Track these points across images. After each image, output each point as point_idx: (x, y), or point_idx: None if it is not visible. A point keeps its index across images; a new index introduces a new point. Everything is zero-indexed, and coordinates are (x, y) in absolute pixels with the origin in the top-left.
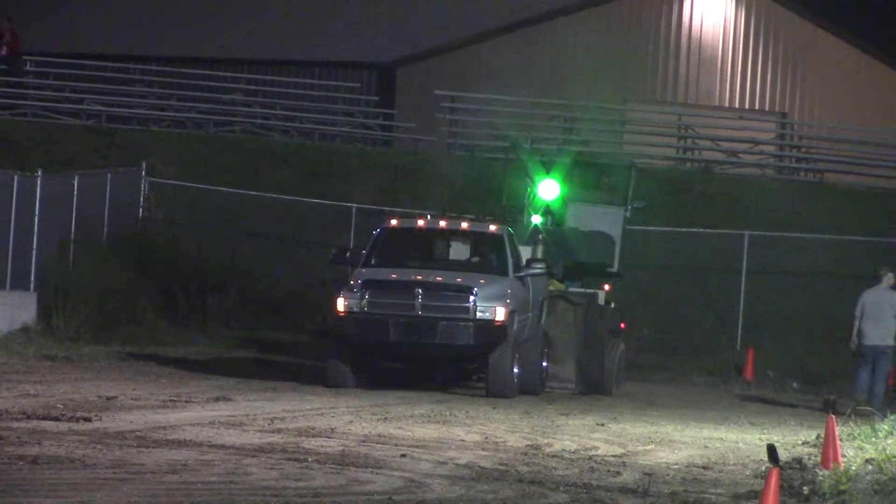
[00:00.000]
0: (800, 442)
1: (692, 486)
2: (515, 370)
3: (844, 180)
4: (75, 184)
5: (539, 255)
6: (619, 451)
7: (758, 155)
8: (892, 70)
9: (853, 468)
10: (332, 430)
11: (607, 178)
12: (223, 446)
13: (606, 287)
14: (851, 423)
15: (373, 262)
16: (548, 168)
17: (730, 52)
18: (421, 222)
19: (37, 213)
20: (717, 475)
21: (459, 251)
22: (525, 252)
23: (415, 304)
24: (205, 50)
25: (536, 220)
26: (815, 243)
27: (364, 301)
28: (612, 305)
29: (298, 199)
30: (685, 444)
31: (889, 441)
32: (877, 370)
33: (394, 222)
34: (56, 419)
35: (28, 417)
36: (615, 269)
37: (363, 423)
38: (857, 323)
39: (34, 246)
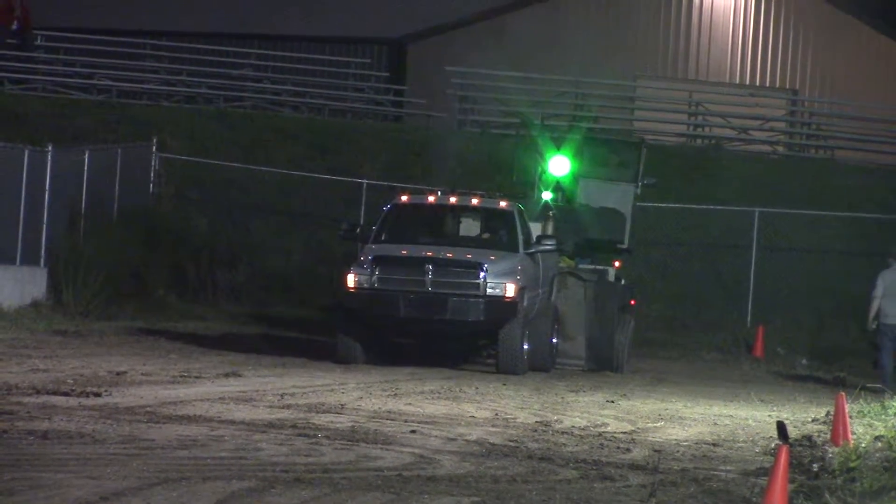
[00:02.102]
0: (809, 419)
1: (702, 464)
2: (525, 346)
3: (855, 157)
4: (86, 158)
5: (549, 231)
6: (628, 427)
7: (768, 132)
8: None
9: (863, 445)
10: (342, 405)
11: (617, 155)
12: (233, 422)
13: (617, 263)
14: (861, 401)
15: (383, 237)
16: (558, 144)
17: (740, 29)
18: (431, 198)
19: (47, 187)
20: (727, 452)
21: (470, 227)
22: (535, 228)
23: (425, 280)
24: (215, 25)
25: (547, 196)
26: (826, 220)
27: (374, 277)
28: (623, 282)
29: (309, 174)
30: (695, 421)
31: None
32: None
33: (404, 198)
34: (66, 394)
35: (38, 392)
36: (625, 245)
37: (373, 399)
38: (875, 303)
39: (44, 221)
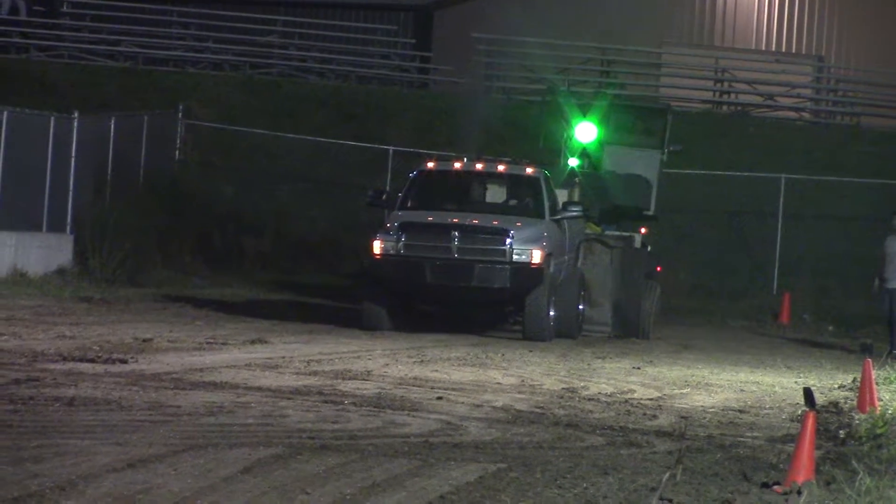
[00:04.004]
0: (836, 386)
1: (728, 430)
2: (552, 313)
3: (881, 124)
4: (112, 126)
5: (576, 198)
6: (655, 394)
7: (794, 98)
8: None
9: (889, 412)
10: (369, 372)
11: (643, 122)
12: (259, 388)
13: (643, 230)
14: (888, 367)
15: (409, 204)
16: (584, 111)
17: None
18: (458, 165)
19: (73, 155)
20: (754, 419)
21: (496, 194)
22: (562, 195)
23: (451, 247)
24: None
25: (573, 162)
26: (852, 187)
27: (400, 244)
28: (649, 248)
29: (335, 141)
30: (721, 388)
31: None
32: None
33: (430, 165)
34: (92, 361)
35: (64, 359)
36: (651, 212)
37: (399, 366)
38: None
39: (70, 188)
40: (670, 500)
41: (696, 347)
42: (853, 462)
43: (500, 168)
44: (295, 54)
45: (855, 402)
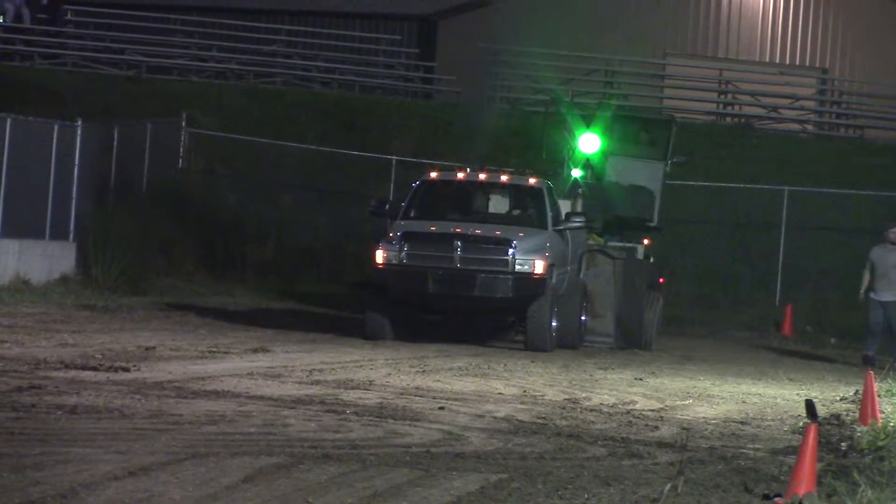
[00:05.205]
0: (838, 398)
1: (730, 441)
2: (554, 324)
3: (884, 136)
4: (115, 134)
5: (578, 208)
6: (657, 405)
7: (798, 110)
8: None
9: (891, 424)
10: (371, 382)
11: (647, 133)
12: (261, 397)
13: (646, 241)
14: (890, 379)
15: (412, 214)
16: (588, 122)
17: (770, 7)
18: (460, 175)
19: (76, 162)
20: (755, 430)
21: (499, 204)
22: (564, 206)
23: (454, 257)
24: (246, 0)
25: (576, 173)
26: (855, 199)
27: (403, 253)
28: (652, 260)
29: (338, 150)
30: (723, 399)
31: None
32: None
33: (433, 175)
34: (94, 369)
35: (66, 367)
36: (655, 223)
37: (401, 376)
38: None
39: (73, 196)
40: None
41: (698, 359)
42: (855, 474)
43: (503, 178)
44: (298, 63)
45: (857, 415)
